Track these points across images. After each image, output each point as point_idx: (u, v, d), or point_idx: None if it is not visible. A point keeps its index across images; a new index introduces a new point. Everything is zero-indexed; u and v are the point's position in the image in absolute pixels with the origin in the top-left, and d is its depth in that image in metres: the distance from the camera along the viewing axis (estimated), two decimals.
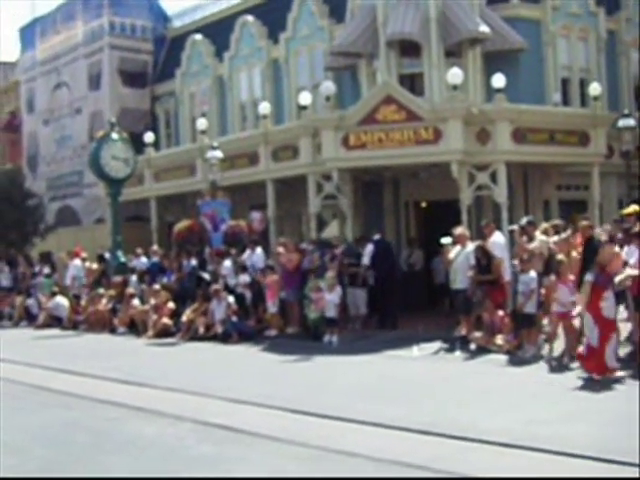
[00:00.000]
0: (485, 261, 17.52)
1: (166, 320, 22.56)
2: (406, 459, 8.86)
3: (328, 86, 24.02)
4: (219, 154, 25.39)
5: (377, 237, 21.47)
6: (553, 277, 15.62)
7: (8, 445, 10.04)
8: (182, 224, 26.23)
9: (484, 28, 24.33)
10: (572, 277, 15.36)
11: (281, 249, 21.72)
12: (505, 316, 16.92)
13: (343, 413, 11.21)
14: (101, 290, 26.45)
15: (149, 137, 31.05)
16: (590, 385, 13.13)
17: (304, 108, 24.64)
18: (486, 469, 8.40)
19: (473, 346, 17.18)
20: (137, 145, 30.19)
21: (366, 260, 20.59)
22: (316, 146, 23.74)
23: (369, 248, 20.76)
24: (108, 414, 12.12)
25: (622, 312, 15.26)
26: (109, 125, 30.28)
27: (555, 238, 17.26)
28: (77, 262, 29.06)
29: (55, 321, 27.17)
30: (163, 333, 22.17)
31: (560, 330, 15.48)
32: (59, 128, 39.56)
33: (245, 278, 22.23)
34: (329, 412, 11.34)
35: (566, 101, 26.43)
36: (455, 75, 21.98)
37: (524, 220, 18.19)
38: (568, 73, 26.93)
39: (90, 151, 30.73)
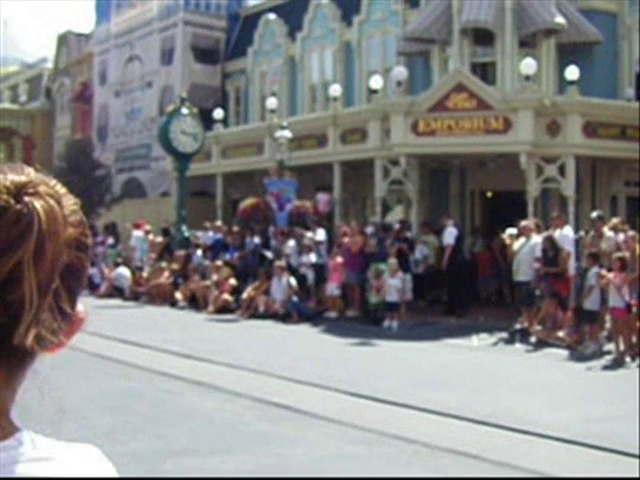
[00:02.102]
0: (552, 253, 17.39)
1: (227, 296, 22.76)
2: (462, 448, 8.88)
3: (400, 71, 23.97)
4: (288, 134, 25.47)
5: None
6: (608, 274, 15.48)
7: (70, 411, 10.20)
8: (248, 202, 26.39)
9: (560, 19, 24.07)
10: (634, 274, 15.24)
11: (346, 231, 21.80)
12: (567, 311, 16.82)
13: (401, 398, 11.25)
14: (164, 263, 26.73)
15: (218, 114, 31.24)
16: None
17: (375, 92, 24.61)
18: (542, 463, 8.40)
19: (533, 339, 17.11)
20: (206, 121, 30.39)
21: (451, 240, 20.63)
22: (385, 130, 23.71)
23: (452, 231, 20.77)
24: (168, 386, 12.29)
25: None
26: (179, 100, 30.53)
27: (622, 235, 17.15)
28: (139, 233, 29.35)
29: (117, 291, 27.49)
30: (223, 309, 22.36)
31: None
32: (130, 101, 40.01)
33: (309, 258, 22.31)
34: (387, 397, 11.38)
35: (639, 96, 26.06)
36: (528, 65, 21.80)
37: (594, 214, 18.08)
38: None
39: (159, 125, 31.06)
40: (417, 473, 8.07)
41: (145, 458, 8.25)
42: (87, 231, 1.34)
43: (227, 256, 24.74)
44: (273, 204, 24.99)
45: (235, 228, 25.86)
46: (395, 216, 25.58)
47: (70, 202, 1.33)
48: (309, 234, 22.92)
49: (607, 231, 17.24)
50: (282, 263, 21.90)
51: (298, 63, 32.29)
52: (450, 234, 20.70)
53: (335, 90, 26.40)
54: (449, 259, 20.54)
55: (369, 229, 22.33)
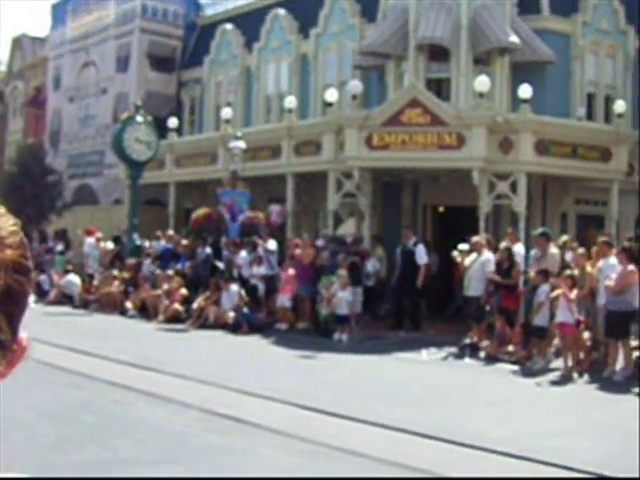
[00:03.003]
0: (507, 265, 17.53)
1: (177, 306, 22.68)
2: (410, 462, 8.92)
3: (355, 85, 24.07)
4: (242, 144, 25.40)
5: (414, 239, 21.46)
6: (562, 290, 15.63)
7: (17, 420, 10.13)
8: (200, 211, 26.33)
9: (514, 38, 24.31)
10: (583, 291, 15.44)
11: (298, 243, 21.84)
12: (515, 327, 16.98)
13: (350, 412, 11.27)
14: (114, 271, 26.58)
15: (173, 122, 31.14)
16: (597, 400, 13.22)
17: (329, 105, 24.67)
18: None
19: (483, 354, 17.24)
20: (160, 129, 30.28)
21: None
22: (339, 144, 23.78)
23: (422, 249, 20.74)
24: (116, 396, 12.22)
25: None
26: (134, 107, 30.41)
27: (571, 253, 17.39)
28: (90, 240, 29.17)
29: (66, 299, 27.27)
30: (173, 319, 22.28)
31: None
32: (84, 107, 39.73)
33: (259, 270, 22.31)
34: (336, 410, 11.40)
35: (590, 116, 26.41)
36: (482, 83, 22.00)
37: (537, 231, 18.32)
38: (594, 89, 26.91)
39: (113, 132, 30.90)
40: None
41: (91, 468, 8.20)
42: (27, 253, 1.28)
43: (178, 265, 24.65)
44: (226, 214, 24.91)
45: (186, 238, 25.78)
46: (347, 229, 25.61)
47: (9, 223, 1.25)
48: (263, 244, 22.91)
49: (552, 248, 17.45)
50: (233, 274, 21.89)
51: (254, 74, 32.25)
52: (421, 251, 20.60)
53: (290, 102, 26.43)
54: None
55: (320, 241, 22.37)
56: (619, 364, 15.04)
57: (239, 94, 32.81)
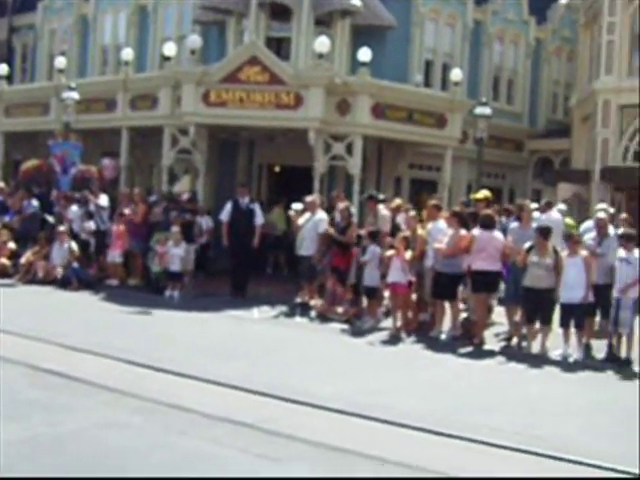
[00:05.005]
0: (344, 224, 17.64)
1: (5, 260, 21.93)
2: (238, 418, 8.93)
3: (194, 39, 23.75)
4: (75, 95, 24.74)
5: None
6: (392, 251, 15.88)
7: None
8: (30, 163, 25.52)
9: (356, 1, 24.46)
10: (409, 253, 15.71)
11: (130, 198, 21.48)
12: (347, 286, 17.15)
13: (179, 368, 11.19)
14: None
15: (3, 69, 29.99)
16: (424, 359, 13.54)
17: (167, 59, 24.28)
18: (318, 433, 8.53)
19: (313, 313, 17.38)
20: None
21: (224, 217, 20.12)
22: (176, 99, 23.47)
23: (258, 208, 20.35)
24: None
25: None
26: None
27: (402, 215, 17.68)
28: None
29: None
30: (1, 273, 21.56)
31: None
32: None
33: (90, 225, 21.82)
34: (166, 366, 11.30)
35: (427, 83, 26.85)
36: (322, 44, 22.04)
37: (365, 195, 18.62)
38: (432, 56, 27.37)
39: None
40: (191, 442, 8.04)
41: None
42: None
43: (6, 218, 23.83)
44: (57, 167, 24.25)
45: (15, 190, 24.93)
46: (182, 186, 25.35)
47: None
48: (94, 199, 22.39)
49: (382, 210, 17.70)
50: (64, 228, 21.33)
51: (90, 23, 31.25)
52: (258, 211, 20.17)
53: (127, 54, 25.87)
54: (227, 235, 20.06)
55: (153, 197, 22.05)
56: (446, 325, 15.42)
57: (74, 43, 31.73)
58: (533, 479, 7.66)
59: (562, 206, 18.79)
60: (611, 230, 14.71)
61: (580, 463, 7.93)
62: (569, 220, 17.77)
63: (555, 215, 16.69)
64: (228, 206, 19.92)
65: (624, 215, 16.60)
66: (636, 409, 10.33)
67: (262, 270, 23.12)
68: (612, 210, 17.02)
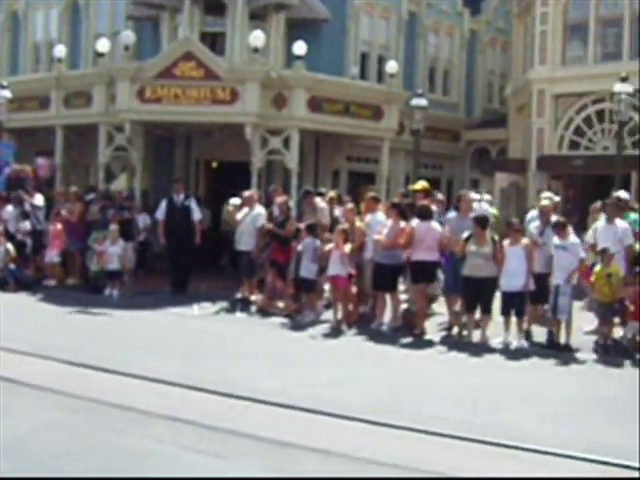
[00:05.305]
0: (282, 217, 17.60)
1: None
2: (179, 415, 8.87)
3: (127, 35, 23.53)
4: (7, 94, 24.37)
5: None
6: (332, 244, 15.87)
7: None
8: None
9: None
10: (349, 246, 15.73)
11: (67, 197, 21.21)
12: (287, 280, 17.10)
13: (119, 366, 11.10)
14: None
15: None
16: (365, 351, 13.56)
17: (101, 55, 23.99)
18: (259, 427, 8.49)
19: (254, 308, 17.32)
20: None
21: (159, 216, 19.98)
22: (110, 96, 23.21)
23: (195, 204, 20.14)
24: None
25: None
26: None
27: (339, 208, 17.70)
28: None
29: None
30: None
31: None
32: None
33: (26, 225, 21.51)
34: (104, 365, 11.20)
35: (363, 75, 26.90)
36: (257, 38, 21.96)
37: (301, 191, 18.65)
38: (368, 48, 27.44)
39: None
40: (133, 440, 7.97)
41: None
42: None
43: None
44: None
45: None
46: (119, 184, 25.10)
47: None
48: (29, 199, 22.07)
49: (321, 203, 17.70)
50: None
51: (22, 20, 30.79)
52: (195, 207, 19.99)
53: (60, 51, 25.51)
54: (163, 233, 19.88)
55: (90, 196, 21.79)
56: (387, 316, 15.45)
57: (5, 40, 31.20)
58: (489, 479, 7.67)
59: (488, 196, 18.89)
60: (554, 218, 14.83)
61: (525, 449, 7.98)
62: (494, 210, 17.87)
63: (484, 206, 16.80)
64: (163, 204, 19.81)
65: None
66: (573, 394, 10.48)
67: (215, 266, 22.95)
68: (557, 199, 17.13)
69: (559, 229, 14.07)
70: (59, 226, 20.75)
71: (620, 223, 14.73)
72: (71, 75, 25.51)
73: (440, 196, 18.11)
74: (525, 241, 14.22)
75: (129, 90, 22.27)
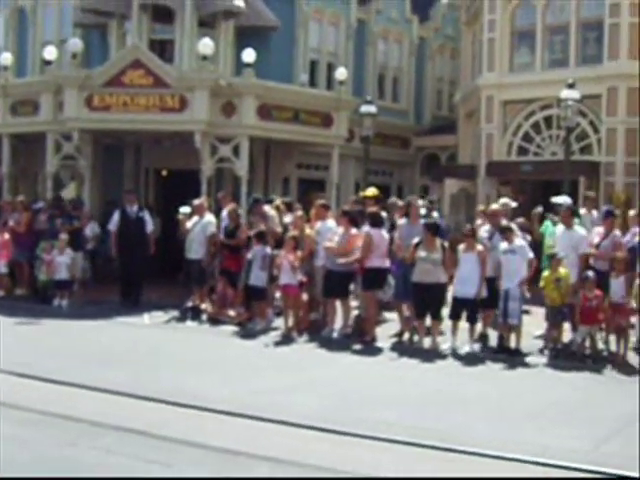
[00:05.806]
0: (233, 226, 17.55)
1: None
2: (129, 424, 8.83)
3: (75, 43, 23.30)
4: None
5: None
6: (283, 252, 15.86)
7: None
8: None
9: (239, 2, 24.36)
10: (303, 253, 15.75)
11: (13, 206, 20.99)
12: (238, 288, 17.04)
13: (68, 377, 11.01)
14: None
15: None
16: (316, 357, 13.55)
17: (48, 63, 23.77)
18: (210, 436, 8.46)
19: (205, 316, 17.25)
20: None
21: (112, 227, 19.72)
22: (58, 104, 22.98)
23: (148, 215, 19.95)
24: None
25: None
26: None
27: (289, 216, 17.70)
28: None
29: None
30: None
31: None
32: None
33: None
34: (53, 376, 11.10)
35: (313, 82, 26.94)
36: (206, 45, 21.88)
37: (252, 198, 18.64)
38: (317, 55, 27.50)
39: None
40: (83, 452, 7.89)
41: None
42: None
43: None
44: None
45: None
46: (68, 193, 24.87)
47: None
48: None
49: (270, 211, 17.69)
50: None
51: None
52: (148, 219, 19.82)
53: (6, 59, 25.18)
54: (115, 245, 19.74)
55: (38, 205, 21.58)
56: (338, 323, 15.46)
57: None
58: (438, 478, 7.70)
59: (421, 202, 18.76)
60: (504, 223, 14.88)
61: (479, 454, 8.02)
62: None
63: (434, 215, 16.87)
64: (115, 215, 19.67)
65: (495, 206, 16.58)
66: (524, 397, 10.55)
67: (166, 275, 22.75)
68: (514, 204, 17.18)
69: (505, 234, 14.16)
70: (6, 236, 20.48)
71: (578, 230, 14.77)
72: (18, 83, 25.21)
73: (400, 203, 18.00)
74: (480, 248, 14.27)
75: (77, 98, 22.08)
